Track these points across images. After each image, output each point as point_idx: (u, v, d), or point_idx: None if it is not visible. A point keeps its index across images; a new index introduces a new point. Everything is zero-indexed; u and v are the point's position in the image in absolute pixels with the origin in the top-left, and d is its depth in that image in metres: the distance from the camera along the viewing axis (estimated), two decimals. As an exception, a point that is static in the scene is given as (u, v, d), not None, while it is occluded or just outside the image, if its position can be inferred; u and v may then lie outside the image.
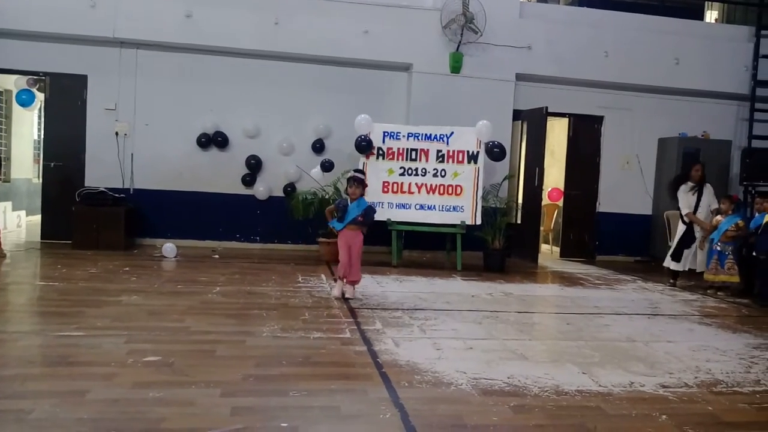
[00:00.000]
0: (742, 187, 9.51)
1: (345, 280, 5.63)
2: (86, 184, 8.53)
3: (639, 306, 6.13)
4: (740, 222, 6.94)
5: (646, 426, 2.97)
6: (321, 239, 8.22)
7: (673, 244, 7.67)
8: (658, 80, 9.55)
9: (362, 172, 6.04)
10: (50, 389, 3.09)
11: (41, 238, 8.59)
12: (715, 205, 7.32)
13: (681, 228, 7.53)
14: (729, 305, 6.41)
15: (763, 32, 9.72)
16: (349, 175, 5.80)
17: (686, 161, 9.45)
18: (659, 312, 5.88)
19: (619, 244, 9.96)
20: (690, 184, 7.45)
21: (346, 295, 5.59)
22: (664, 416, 3.09)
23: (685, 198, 7.44)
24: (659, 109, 9.91)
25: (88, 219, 8.03)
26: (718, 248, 6.96)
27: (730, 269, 6.89)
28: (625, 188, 9.92)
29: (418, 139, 8.08)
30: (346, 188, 5.77)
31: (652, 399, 3.34)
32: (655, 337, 4.78)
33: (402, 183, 8.03)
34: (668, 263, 7.59)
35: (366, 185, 5.95)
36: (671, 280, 7.57)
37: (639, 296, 6.71)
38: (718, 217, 7.07)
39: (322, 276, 6.90)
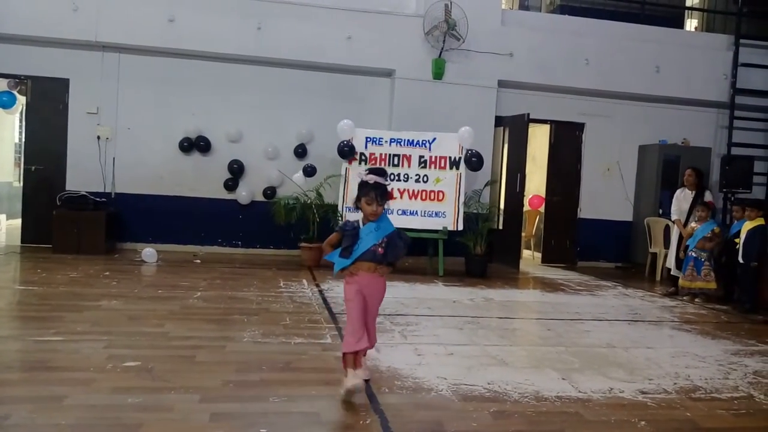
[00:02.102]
0: (721, 194, 9.65)
1: (360, 359, 3.33)
2: (67, 188, 8.45)
3: (619, 312, 6.20)
4: (716, 229, 7.04)
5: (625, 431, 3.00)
6: (303, 244, 8.21)
7: (672, 251, 7.66)
8: (639, 88, 9.68)
9: (383, 172, 3.39)
10: (28, 395, 3.06)
11: (21, 242, 8.48)
12: None
13: (676, 234, 7.58)
14: (709, 312, 6.50)
15: (742, 41, 9.90)
16: (364, 176, 3.35)
17: (666, 168, 9.60)
18: (639, 318, 5.94)
19: (600, 251, 10.06)
20: (686, 190, 7.52)
21: (365, 378, 3.36)
22: (642, 422, 3.12)
23: (676, 203, 7.53)
24: (640, 117, 10.04)
25: (69, 223, 7.95)
26: (694, 255, 7.05)
27: (707, 276, 6.98)
28: (606, 195, 10.02)
29: (401, 145, 8.12)
30: (356, 200, 3.37)
31: (631, 405, 3.38)
32: (635, 343, 4.84)
33: None
34: (675, 272, 7.51)
35: (392, 196, 4.05)
36: (671, 288, 7.49)
37: (619, 302, 6.78)
38: (694, 224, 7.16)
39: (304, 281, 6.89)
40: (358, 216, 3.40)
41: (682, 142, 9.91)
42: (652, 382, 3.80)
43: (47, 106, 8.57)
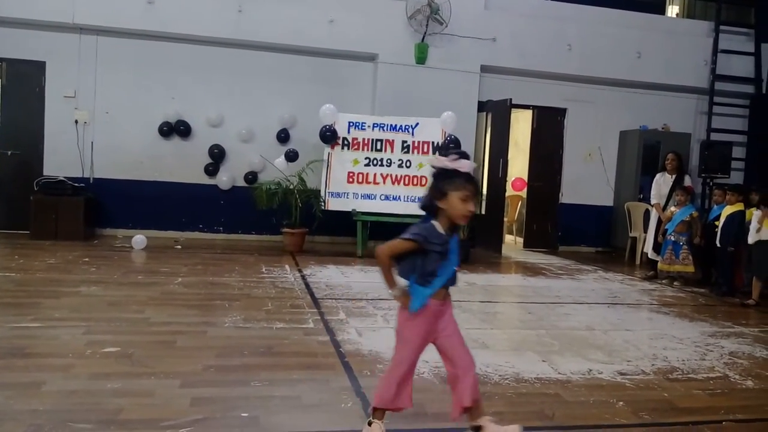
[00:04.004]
0: (700, 179, 9.77)
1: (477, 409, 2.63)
2: (45, 173, 8.31)
3: (599, 295, 6.28)
4: (694, 213, 7.13)
5: (604, 412, 3.03)
6: (285, 229, 8.17)
7: (650, 234, 7.76)
8: (621, 73, 9.73)
9: (468, 157, 2.41)
10: (4, 381, 3.01)
11: (-3, 229, 8.35)
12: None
13: (655, 218, 7.66)
14: (687, 295, 6.60)
15: (722, 27, 9.99)
16: (453, 162, 2.37)
17: (647, 153, 9.69)
18: (619, 301, 6.02)
19: (581, 235, 10.15)
20: (666, 174, 7.60)
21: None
22: (621, 403, 3.16)
23: (656, 188, 7.62)
24: (621, 102, 10.10)
25: (47, 208, 7.83)
26: (672, 239, 7.14)
27: (685, 259, 7.08)
28: (587, 180, 10.10)
29: (384, 130, 8.09)
30: (437, 195, 2.40)
31: (610, 386, 3.42)
32: (614, 326, 4.90)
33: (367, 173, 8.03)
34: (652, 255, 7.62)
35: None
36: (650, 272, 7.58)
37: (599, 286, 6.86)
38: (673, 208, 7.24)
39: (286, 266, 6.87)
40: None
41: (663, 128, 10.00)
42: (630, 364, 3.86)
43: (23, 89, 8.39)
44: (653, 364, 3.89)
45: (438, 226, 2.41)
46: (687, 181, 7.55)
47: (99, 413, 2.69)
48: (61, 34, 8.31)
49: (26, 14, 7.97)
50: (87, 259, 6.59)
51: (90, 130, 8.52)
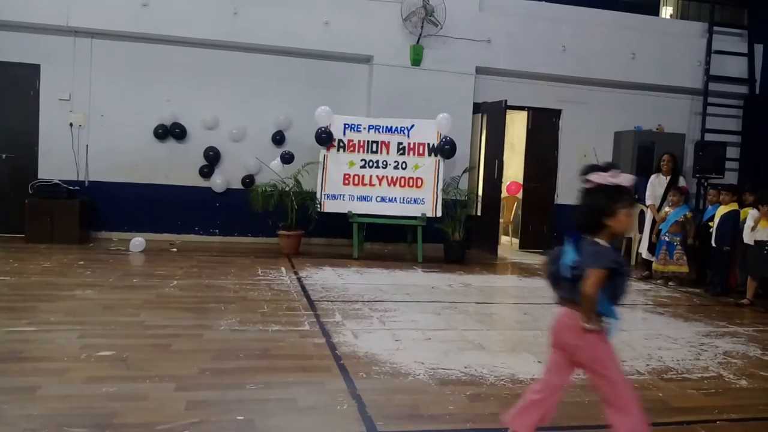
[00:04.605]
0: (695, 180, 9.80)
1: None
2: (39, 176, 8.28)
3: (594, 295, 6.27)
4: (688, 213, 7.16)
5: (598, 412, 3.01)
6: (281, 232, 8.17)
7: (645, 235, 7.77)
8: (615, 74, 9.75)
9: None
10: (0, 386, 3.01)
11: (-8, 232, 8.33)
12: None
13: (649, 219, 7.68)
14: (681, 295, 6.63)
15: (716, 28, 10.02)
16: (616, 179, 2.33)
17: (642, 154, 9.71)
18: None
19: (577, 236, 10.14)
20: (661, 176, 7.63)
21: None
22: (615, 402, 3.18)
23: (651, 189, 7.64)
24: (616, 103, 10.12)
25: (42, 212, 7.80)
26: (667, 239, 7.16)
27: (679, 260, 7.10)
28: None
29: (379, 132, 8.10)
30: (606, 214, 2.33)
31: (604, 386, 3.44)
32: (609, 326, 4.91)
33: (363, 175, 8.04)
34: (646, 255, 7.64)
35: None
36: (645, 272, 7.58)
37: (595, 286, 6.86)
38: (667, 209, 7.27)
39: (282, 269, 6.86)
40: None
41: (657, 129, 10.03)
42: (625, 364, 3.86)
43: (17, 92, 8.36)
44: (648, 364, 3.90)
45: (601, 242, 2.35)
46: (681, 182, 7.58)
47: (94, 417, 2.69)
48: (55, 36, 8.28)
49: (21, 17, 7.95)
50: (82, 263, 6.57)
51: (85, 133, 8.50)
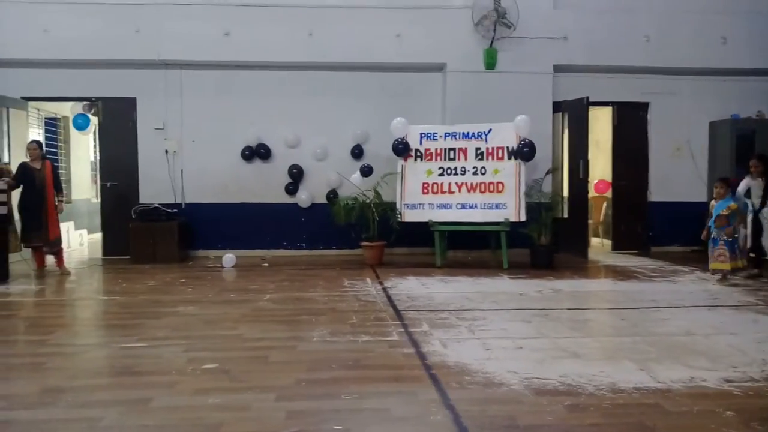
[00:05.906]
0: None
1: None
2: (141, 201, 8.88)
3: (697, 298, 5.93)
4: (732, 204, 6.62)
5: (710, 422, 2.87)
6: (364, 243, 8.30)
7: (748, 231, 7.28)
8: (705, 61, 9.23)
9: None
10: (117, 398, 3.24)
11: (102, 255, 8.98)
12: None
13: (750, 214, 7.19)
14: (793, 292, 6.14)
15: (817, 2, 9.30)
16: None
17: (741, 144, 9.12)
18: (719, 303, 5.67)
19: (674, 234, 9.65)
20: (752, 179, 7.09)
21: None
22: (729, 412, 2.99)
23: (743, 188, 7.15)
24: (708, 92, 9.57)
25: (144, 234, 8.36)
26: (713, 234, 6.66)
27: (720, 256, 6.58)
28: (677, 176, 9.62)
29: (456, 139, 8.08)
30: None
31: (716, 394, 3.24)
32: (717, 330, 4.62)
33: (442, 183, 8.03)
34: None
35: None
36: (754, 270, 7.02)
37: (697, 287, 6.48)
38: (712, 202, 6.77)
39: (367, 280, 6.96)
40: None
41: (757, 115, 9.39)
42: (737, 370, 3.63)
43: (118, 124, 9.02)
44: (763, 370, 3.63)
45: None
46: None
47: (202, 428, 2.85)
48: (148, 71, 8.89)
49: (117, 55, 8.60)
50: (183, 280, 6.97)
51: (179, 159, 9.03)
